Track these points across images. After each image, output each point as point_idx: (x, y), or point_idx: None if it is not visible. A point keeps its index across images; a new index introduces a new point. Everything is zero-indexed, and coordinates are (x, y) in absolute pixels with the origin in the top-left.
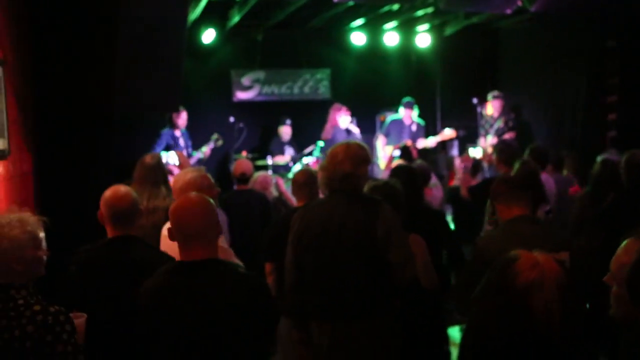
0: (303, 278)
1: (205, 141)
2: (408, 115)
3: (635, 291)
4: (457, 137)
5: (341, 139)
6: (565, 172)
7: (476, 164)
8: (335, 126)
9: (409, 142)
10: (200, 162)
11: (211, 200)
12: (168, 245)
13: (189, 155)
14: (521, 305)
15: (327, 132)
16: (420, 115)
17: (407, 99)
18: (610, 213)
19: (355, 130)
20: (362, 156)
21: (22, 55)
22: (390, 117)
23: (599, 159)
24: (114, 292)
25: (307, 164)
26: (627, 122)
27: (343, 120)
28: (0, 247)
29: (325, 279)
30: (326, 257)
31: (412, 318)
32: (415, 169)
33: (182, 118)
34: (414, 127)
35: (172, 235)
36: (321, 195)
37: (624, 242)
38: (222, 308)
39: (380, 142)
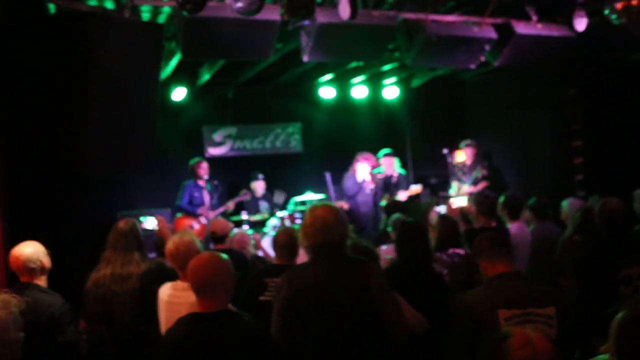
0: (294, 346)
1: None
2: (390, 166)
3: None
4: (429, 186)
5: (353, 188)
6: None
7: (464, 214)
8: (353, 175)
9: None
10: (224, 214)
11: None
12: (166, 309)
13: (213, 208)
14: None
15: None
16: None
17: (386, 151)
18: (588, 261)
19: (367, 178)
20: (330, 221)
21: None
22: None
23: (565, 203)
24: None
25: (282, 218)
26: (593, 165)
27: (361, 169)
28: None
29: (326, 345)
30: (325, 322)
31: None
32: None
33: (203, 168)
34: (394, 179)
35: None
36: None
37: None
38: (234, 355)
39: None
